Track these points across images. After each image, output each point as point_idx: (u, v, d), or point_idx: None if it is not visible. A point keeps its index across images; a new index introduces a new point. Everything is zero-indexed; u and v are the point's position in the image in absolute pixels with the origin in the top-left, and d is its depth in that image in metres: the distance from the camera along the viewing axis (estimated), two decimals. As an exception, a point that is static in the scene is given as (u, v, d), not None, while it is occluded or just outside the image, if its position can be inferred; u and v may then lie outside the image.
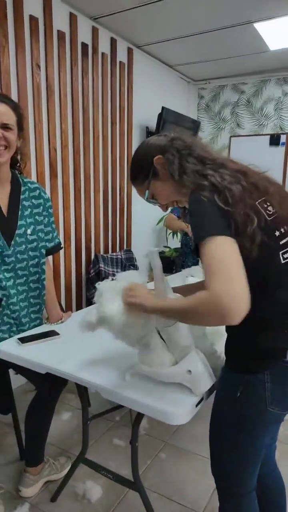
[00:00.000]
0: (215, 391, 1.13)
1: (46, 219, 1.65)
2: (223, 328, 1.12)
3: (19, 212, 1.54)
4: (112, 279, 1.24)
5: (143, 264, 3.54)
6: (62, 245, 1.89)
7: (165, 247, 4.04)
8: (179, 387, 1.17)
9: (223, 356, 1.13)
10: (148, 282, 1.23)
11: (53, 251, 1.71)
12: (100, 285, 1.21)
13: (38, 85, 2.42)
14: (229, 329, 1.06)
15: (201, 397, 1.13)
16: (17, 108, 1.45)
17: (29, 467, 1.73)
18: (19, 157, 1.57)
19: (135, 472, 1.46)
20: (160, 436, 2.14)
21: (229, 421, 1.06)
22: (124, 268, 3.25)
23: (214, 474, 1.16)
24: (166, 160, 1.06)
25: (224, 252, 0.87)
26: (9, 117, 1.40)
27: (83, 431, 1.60)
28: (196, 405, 1.11)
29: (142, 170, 1.13)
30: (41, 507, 1.67)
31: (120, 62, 3.12)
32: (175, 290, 1.24)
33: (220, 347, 1.22)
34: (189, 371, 1.12)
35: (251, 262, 0.90)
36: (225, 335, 1.10)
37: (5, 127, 1.39)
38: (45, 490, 1.76)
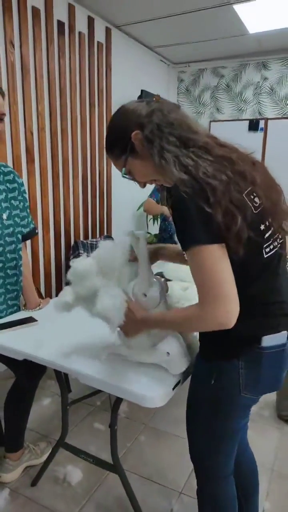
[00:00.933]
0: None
1: (22, 203, 1.61)
2: None
3: None
4: (87, 256, 1.20)
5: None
6: (37, 231, 1.86)
7: (146, 232, 4.03)
8: (155, 372, 1.18)
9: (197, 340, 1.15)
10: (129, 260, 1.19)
11: (29, 236, 1.68)
12: (75, 264, 1.18)
13: (12, 64, 2.33)
14: None
15: (178, 379, 1.15)
16: (3, 94, 1.43)
17: (9, 452, 1.73)
18: None
19: (115, 455, 1.48)
20: (140, 419, 2.17)
21: (204, 406, 1.08)
22: (104, 254, 3.23)
23: (192, 458, 1.18)
24: (145, 138, 0.97)
25: (213, 264, 0.87)
26: (4, 107, 1.39)
27: (62, 416, 1.60)
28: (173, 388, 1.13)
29: (118, 144, 1.02)
30: (22, 491, 1.68)
31: (98, 42, 3.04)
32: (163, 251, 1.27)
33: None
34: (168, 353, 1.13)
35: (236, 261, 0.90)
36: None
37: (1, 119, 1.39)
38: (25, 475, 1.76)
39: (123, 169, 1.05)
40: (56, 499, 1.65)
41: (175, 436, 2.04)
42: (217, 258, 0.87)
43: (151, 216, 3.87)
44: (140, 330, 1.14)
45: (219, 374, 1.02)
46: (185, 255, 0.93)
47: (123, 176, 1.07)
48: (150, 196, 2.99)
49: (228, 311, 0.87)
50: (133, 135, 0.99)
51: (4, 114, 1.40)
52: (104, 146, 1.09)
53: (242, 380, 1.00)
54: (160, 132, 0.95)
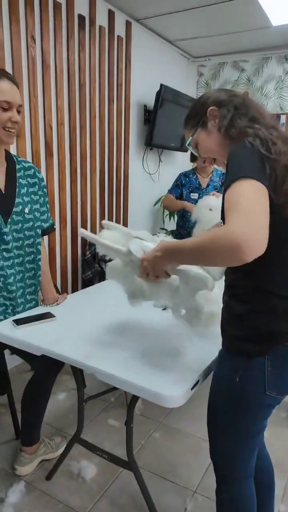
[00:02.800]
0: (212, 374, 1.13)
1: (42, 198, 1.62)
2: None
3: (17, 190, 1.50)
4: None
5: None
6: (55, 227, 1.86)
7: (162, 229, 4.00)
8: (174, 371, 1.17)
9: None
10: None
11: (47, 232, 1.68)
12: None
13: (33, 58, 2.33)
14: (232, 309, 1.04)
15: (196, 379, 1.13)
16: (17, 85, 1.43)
17: (25, 446, 1.74)
18: None
19: (130, 453, 1.48)
20: (155, 417, 2.16)
21: (227, 405, 1.06)
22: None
23: (213, 459, 1.16)
24: (221, 114, 1.05)
25: (256, 196, 0.84)
26: (21, 99, 1.39)
27: (78, 412, 1.60)
28: (192, 388, 1.11)
29: (194, 117, 1.13)
30: (37, 485, 1.70)
31: (118, 36, 3.01)
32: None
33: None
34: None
35: (276, 221, 0.86)
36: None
37: (19, 110, 1.38)
38: (40, 469, 1.78)
39: (190, 138, 1.15)
40: (70, 494, 1.65)
41: (190, 435, 2.03)
42: (261, 193, 0.85)
43: (168, 212, 3.84)
44: (159, 264, 1.03)
45: (245, 372, 1.00)
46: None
47: (188, 146, 1.18)
48: (170, 192, 2.97)
49: (254, 225, 0.79)
50: (209, 110, 1.08)
51: (21, 106, 1.39)
52: (184, 122, 1.18)
53: (268, 378, 0.98)
54: (236, 111, 1.04)
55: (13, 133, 1.40)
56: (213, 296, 1.21)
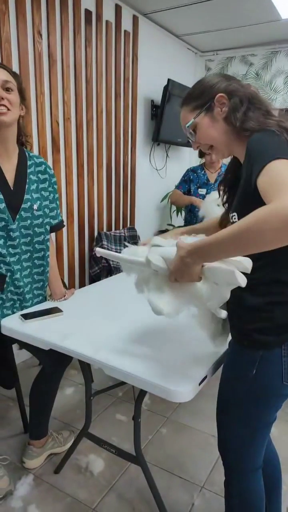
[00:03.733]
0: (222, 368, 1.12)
1: (52, 195, 1.61)
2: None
3: (26, 186, 1.50)
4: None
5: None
6: (65, 223, 1.86)
7: (169, 225, 3.99)
8: (182, 366, 1.17)
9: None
10: None
11: (56, 228, 1.68)
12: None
13: (40, 54, 2.33)
14: (245, 302, 1.02)
15: (204, 375, 1.13)
16: (17, 76, 1.42)
17: (33, 440, 1.76)
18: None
19: (137, 447, 1.48)
20: (162, 412, 2.17)
21: (241, 397, 1.05)
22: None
23: (222, 451, 1.16)
24: (231, 104, 1.01)
25: None
26: (10, 80, 1.37)
27: (86, 406, 1.61)
28: (200, 384, 1.11)
29: (199, 98, 1.06)
30: (45, 478, 1.71)
31: (125, 31, 2.99)
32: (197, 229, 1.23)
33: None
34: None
35: None
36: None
37: (7, 88, 1.35)
38: (48, 462, 1.79)
39: (191, 120, 1.07)
40: (78, 488, 1.67)
41: (197, 430, 2.03)
42: None
43: (175, 208, 3.83)
44: (192, 269, 0.96)
45: (261, 364, 0.99)
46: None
47: (184, 128, 1.10)
48: (177, 187, 2.95)
49: None
50: (218, 96, 1.02)
51: (8, 82, 1.34)
52: (184, 100, 1.11)
53: (285, 369, 0.97)
54: (249, 103, 1.01)
55: (3, 111, 1.34)
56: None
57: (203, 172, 2.85)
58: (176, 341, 1.33)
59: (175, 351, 1.27)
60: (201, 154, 2.91)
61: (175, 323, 1.43)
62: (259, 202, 0.81)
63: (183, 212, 3.42)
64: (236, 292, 1.05)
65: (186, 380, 1.10)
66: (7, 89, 1.36)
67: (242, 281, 0.91)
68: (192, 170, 2.91)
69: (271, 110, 1.03)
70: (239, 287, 1.02)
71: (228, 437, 1.14)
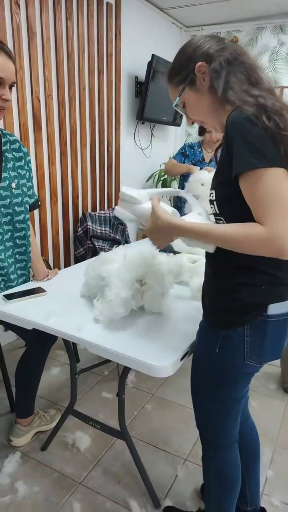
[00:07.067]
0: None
1: (28, 173, 1.58)
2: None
3: (3, 164, 1.46)
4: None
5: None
6: (46, 202, 1.82)
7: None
8: (164, 342, 1.18)
9: None
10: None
11: (33, 207, 1.65)
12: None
13: (18, 26, 2.24)
14: (217, 284, 1.04)
15: (186, 350, 1.14)
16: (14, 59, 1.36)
17: (20, 418, 1.78)
18: None
19: (122, 422, 1.51)
20: (147, 389, 2.21)
21: (209, 375, 1.08)
22: (112, 227, 3.20)
23: (199, 427, 1.19)
24: (211, 71, 0.94)
25: (279, 187, 0.82)
26: (14, 75, 1.33)
27: (71, 383, 1.63)
28: (181, 359, 1.12)
29: (181, 72, 1.00)
30: (32, 455, 1.74)
31: (107, 3, 2.89)
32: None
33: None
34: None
35: None
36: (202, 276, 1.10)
37: (11, 86, 1.32)
38: (35, 440, 1.82)
39: (177, 98, 1.03)
40: (65, 463, 1.70)
41: (181, 406, 2.07)
42: (282, 179, 0.83)
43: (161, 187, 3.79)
44: (165, 237, 1.05)
45: (224, 342, 1.01)
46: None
47: (175, 107, 1.06)
48: (174, 157, 2.90)
49: None
50: (197, 66, 0.96)
51: (14, 83, 1.34)
52: (167, 77, 1.06)
53: (247, 348, 0.99)
54: (229, 67, 0.94)
55: (2, 111, 1.33)
56: (201, 270, 1.21)
57: (200, 149, 2.81)
58: (159, 319, 1.35)
59: (158, 329, 1.28)
60: (201, 132, 2.85)
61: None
62: (237, 195, 0.88)
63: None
64: (208, 273, 1.07)
65: (168, 355, 1.11)
66: (11, 87, 1.33)
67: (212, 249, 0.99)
68: (190, 145, 2.86)
69: (257, 73, 0.96)
70: (212, 270, 1.04)
71: (201, 414, 1.17)
